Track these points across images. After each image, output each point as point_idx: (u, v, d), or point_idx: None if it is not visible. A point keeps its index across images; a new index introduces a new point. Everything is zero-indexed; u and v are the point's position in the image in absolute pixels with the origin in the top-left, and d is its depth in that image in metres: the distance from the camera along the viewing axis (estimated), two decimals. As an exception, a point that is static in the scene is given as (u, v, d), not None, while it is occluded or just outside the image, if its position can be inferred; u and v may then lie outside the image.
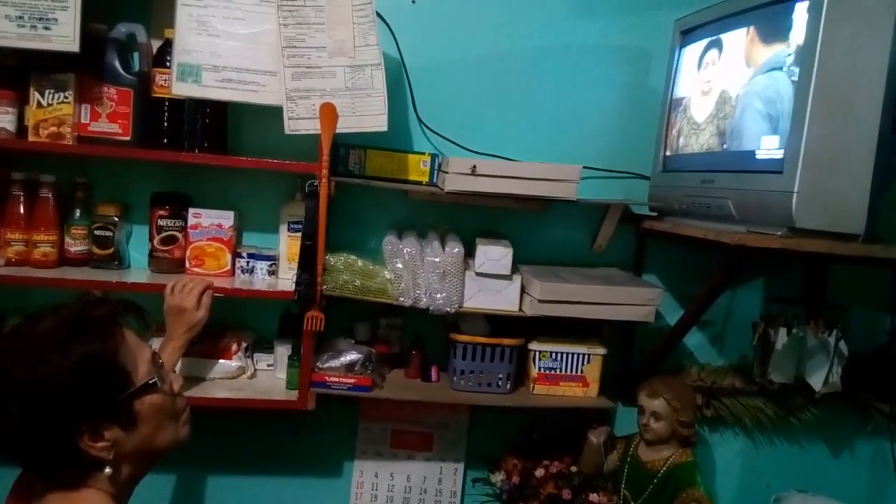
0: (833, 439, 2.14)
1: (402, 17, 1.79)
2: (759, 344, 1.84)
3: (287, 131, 1.59)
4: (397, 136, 1.81)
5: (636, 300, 1.72)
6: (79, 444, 1.00)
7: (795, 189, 1.34)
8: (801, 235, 1.39)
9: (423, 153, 1.79)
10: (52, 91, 1.58)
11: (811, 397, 1.90)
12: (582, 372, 1.81)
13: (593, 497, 1.83)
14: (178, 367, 1.60)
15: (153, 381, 1.07)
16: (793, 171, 1.35)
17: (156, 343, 1.55)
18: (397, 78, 1.81)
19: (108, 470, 1.03)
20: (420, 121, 1.86)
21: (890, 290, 2.10)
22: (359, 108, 1.59)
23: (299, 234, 1.66)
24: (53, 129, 1.59)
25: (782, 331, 1.78)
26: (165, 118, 1.66)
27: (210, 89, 1.56)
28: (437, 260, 1.67)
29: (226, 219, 1.73)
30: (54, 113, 1.58)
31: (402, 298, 1.69)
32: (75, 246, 1.70)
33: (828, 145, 1.34)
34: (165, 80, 1.60)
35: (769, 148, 1.44)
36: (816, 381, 1.81)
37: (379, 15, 1.64)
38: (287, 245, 1.78)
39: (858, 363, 1.90)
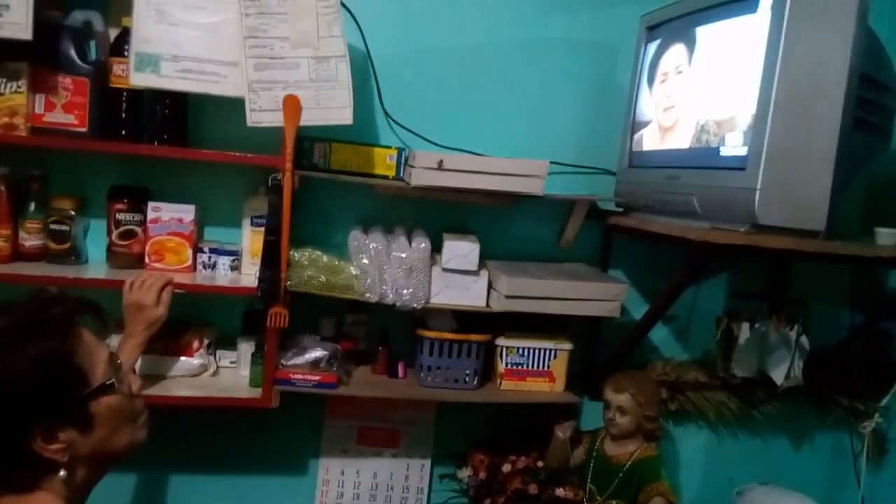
0: (794, 432, 2.19)
1: (368, 9, 1.76)
2: (723, 339, 1.86)
3: (249, 123, 1.55)
4: (363, 129, 1.79)
5: (602, 296, 1.73)
6: (32, 446, 0.97)
7: (758, 186, 1.35)
8: (764, 232, 1.40)
9: (389, 147, 1.77)
10: (3, 80, 1.53)
11: (773, 391, 1.93)
12: (548, 367, 1.81)
13: (559, 491, 1.84)
14: (138, 365, 1.57)
15: (110, 381, 1.04)
16: (756, 168, 1.36)
17: (114, 340, 1.51)
18: (363, 70, 1.78)
19: (62, 472, 1.00)
20: (386, 114, 1.84)
21: (850, 285, 2.14)
22: (323, 100, 1.57)
23: (263, 229, 1.63)
24: (6, 119, 1.53)
25: (745, 326, 1.80)
26: (123, 109, 1.61)
27: (169, 80, 1.52)
28: (403, 255, 1.66)
29: (186, 213, 1.69)
30: (7, 103, 1.53)
31: (368, 294, 1.67)
32: (30, 240, 1.65)
33: (790, 143, 1.36)
34: (123, 70, 1.55)
35: (733, 145, 1.46)
36: (778, 376, 1.83)
37: (344, 5, 1.61)
38: (250, 240, 1.74)
39: (819, 357, 1.93)
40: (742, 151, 1.42)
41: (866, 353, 2.06)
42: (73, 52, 1.56)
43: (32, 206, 1.65)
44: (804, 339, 1.81)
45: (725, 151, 1.48)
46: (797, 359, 1.82)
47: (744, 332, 1.80)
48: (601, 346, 1.98)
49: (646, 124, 1.79)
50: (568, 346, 1.81)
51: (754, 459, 2.16)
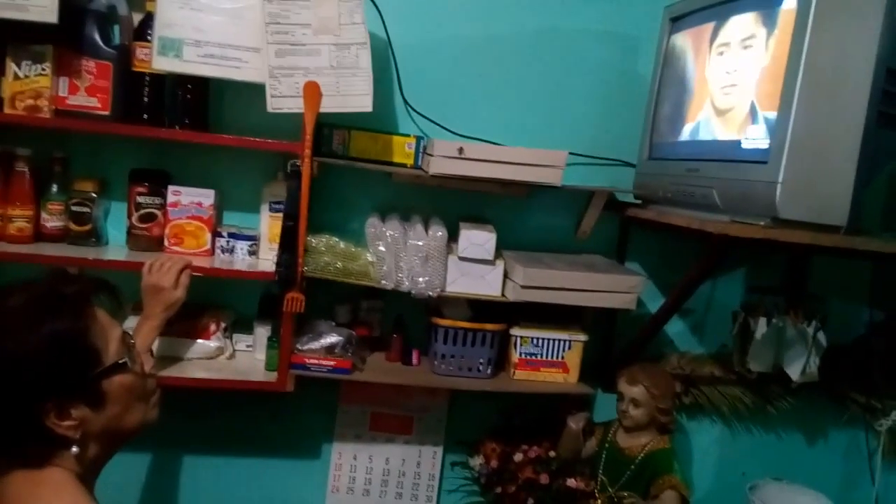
0: (809, 428, 2.17)
1: (389, -3, 1.77)
2: (739, 333, 1.86)
3: (269, 109, 1.56)
4: (382, 117, 1.79)
5: (618, 287, 1.72)
6: (45, 422, 0.99)
7: (780, 179, 1.34)
8: (784, 226, 1.39)
9: (408, 135, 1.78)
10: (29, 63, 1.54)
11: (789, 387, 1.91)
12: (563, 358, 1.81)
13: (571, 482, 1.84)
14: (155, 347, 1.58)
15: (123, 360, 1.06)
16: (778, 161, 1.35)
17: (133, 322, 1.53)
18: (383, 58, 1.78)
19: (74, 449, 1.02)
20: (406, 102, 1.84)
21: (869, 282, 2.12)
22: (343, 87, 1.57)
23: (281, 215, 1.64)
24: (30, 101, 1.55)
25: (762, 320, 1.79)
26: (146, 93, 1.62)
27: (191, 64, 1.53)
28: (420, 243, 1.66)
29: (206, 197, 1.70)
30: (31, 85, 1.55)
31: (384, 281, 1.67)
32: (51, 221, 1.67)
33: (813, 136, 1.34)
34: (146, 55, 1.56)
35: (755, 137, 1.44)
36: (794, 371, 1.82)
37: (366, -7, 1.61)
38: (268, 225, 1.75)
39: (836, 354, 1.91)
40: (764, 144, 1.40)
41: (885, 350, 2.03)
42: (97, 36, 1.57)
43: (54, 188, 1.67)
44: (821, 335, 1.80)
45: (747, 144, 1.46)
46: (814, 355, 1.81)
47: (760, 326, 1.79)
48: (616, 338, 1.97)
49: (667, 115, 1.77)
50: (583, 337, 1.81)
51: (768, 455, 2.15)
